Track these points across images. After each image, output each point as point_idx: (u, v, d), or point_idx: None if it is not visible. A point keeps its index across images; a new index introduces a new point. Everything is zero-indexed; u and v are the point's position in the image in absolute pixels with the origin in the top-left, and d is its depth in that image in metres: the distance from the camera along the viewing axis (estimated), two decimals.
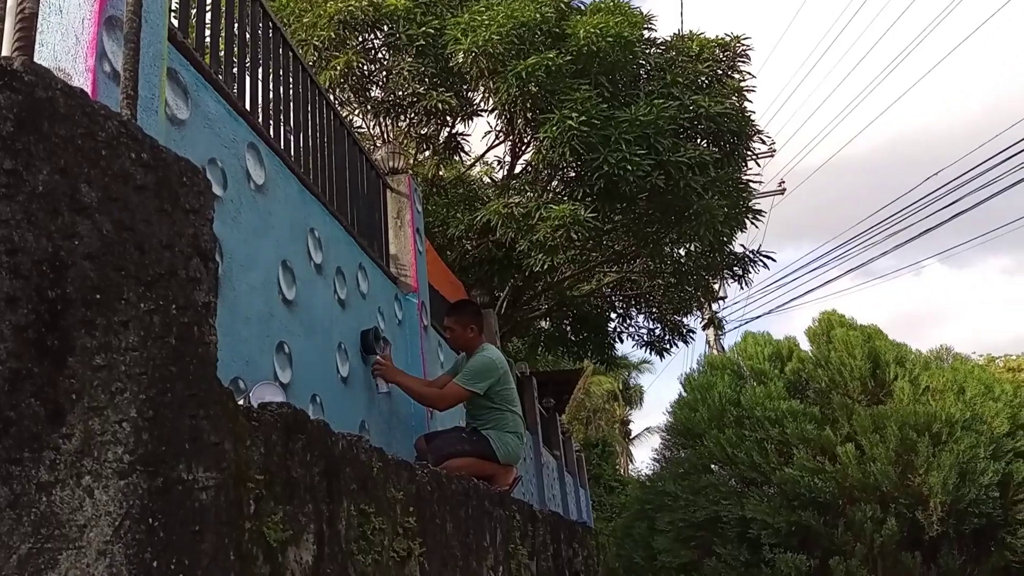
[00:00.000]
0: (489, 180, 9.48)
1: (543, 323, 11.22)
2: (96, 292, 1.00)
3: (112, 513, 0.99)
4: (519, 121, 7.43)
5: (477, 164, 9.44)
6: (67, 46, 1.95)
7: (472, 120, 8.32)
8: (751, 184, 8.10)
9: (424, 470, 2.31)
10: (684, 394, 4.55)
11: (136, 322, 1.05)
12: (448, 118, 8.04)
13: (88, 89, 1.82)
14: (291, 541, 1.35)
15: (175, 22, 2.56)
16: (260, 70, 3.29)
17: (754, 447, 3.92)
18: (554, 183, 7.82)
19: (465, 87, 7.54)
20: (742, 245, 9.14)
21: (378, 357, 3.81)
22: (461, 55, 6.77)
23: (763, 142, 8.27)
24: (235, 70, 3.03)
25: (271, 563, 1.28)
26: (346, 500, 1.64)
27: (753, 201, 8.23)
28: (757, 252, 9.18)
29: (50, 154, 0.97)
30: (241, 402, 1.35)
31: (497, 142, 8.55)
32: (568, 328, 11.04)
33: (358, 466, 1.73)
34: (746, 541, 3.81)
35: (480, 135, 28.65)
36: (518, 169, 8.35)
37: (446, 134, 8.40)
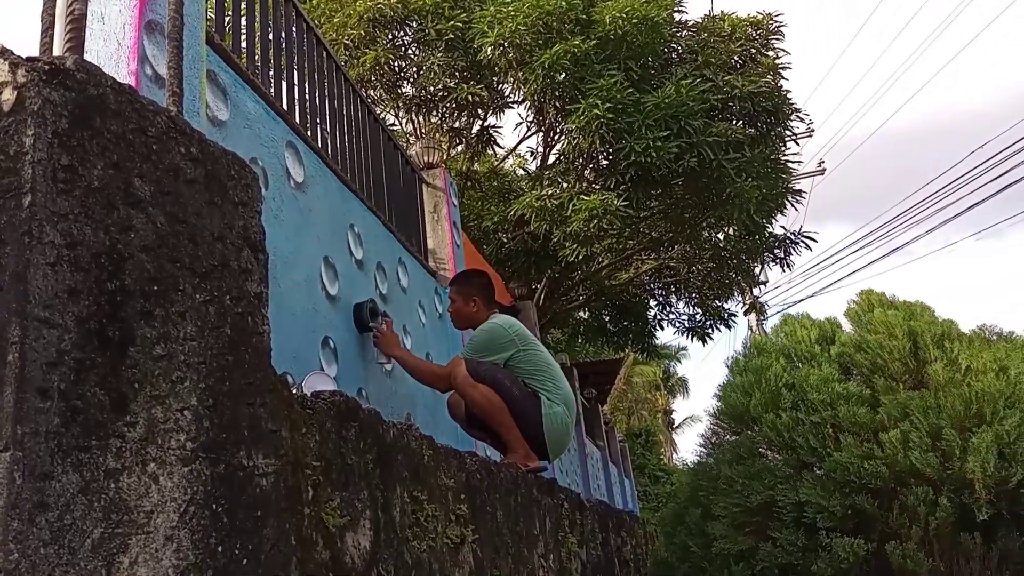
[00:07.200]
0: (523, 172, 9.46)
1: (582, 313, 11.17)
2: (153, 283, 1.02)
3: (177, 499, 1.01)
4: (549, 111, 7.40)
5: (510, 156, 9.43)
6: (109, 52, 1.99)
7: (503, 112, 8.31)
8: (789, 164, 7.94)
9: (473, 459, 2.32)
10: (731, 378, 4.47)
11: (193, 312, 1.07)
12: (479, 111, 8.04)
13: None
14: (349, 527, 1.37)
15: (211, 25, 2.60)
16: (295, 70, 3.33)
17: (810, 431, 3.84)
18: (587, 172, 7.78)
19: (495, 79, 7.54)
20: (783, 227, 8.96)
21: (381, 327, 3.39)
22: (489, 48, 6.76)
23: (801, 121, 8.09)
24: (271, 71, 3.06)
25: (331, 548, 1.30)
26: (399, 487, 1.65)
27: (793, 182, 8.06)
28: (798, 233, 8.99)
29: (103, 149, 0.99)
30: (294, 392, 1.36)
31: (529, 133, 8.53)
32: (607, 318, 10.97)
33: (409, 453, 1.74)
34: (802, 526, 3.73)
35: (512, 127, 28.71)
36: (551, 159, 8.32)
37: (478, 127, 8.40)
